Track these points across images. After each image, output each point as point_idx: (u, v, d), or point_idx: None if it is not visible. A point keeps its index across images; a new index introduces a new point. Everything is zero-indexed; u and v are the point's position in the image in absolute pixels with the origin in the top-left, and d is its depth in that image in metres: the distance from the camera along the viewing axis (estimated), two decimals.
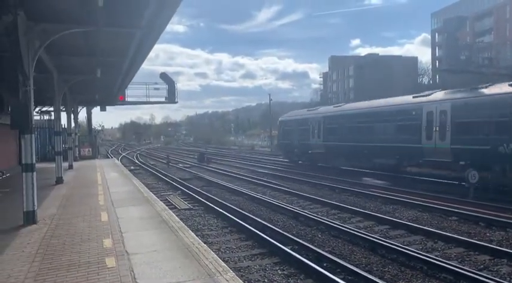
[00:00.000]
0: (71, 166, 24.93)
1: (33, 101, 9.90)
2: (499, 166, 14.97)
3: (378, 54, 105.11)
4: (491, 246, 8.90)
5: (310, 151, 28.08)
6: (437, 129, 17.65)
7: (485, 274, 7.10)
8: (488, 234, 10.18)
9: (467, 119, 16.42)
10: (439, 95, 18.94)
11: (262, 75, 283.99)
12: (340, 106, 28.22)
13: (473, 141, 15.89)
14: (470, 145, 15.95)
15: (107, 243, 7.76)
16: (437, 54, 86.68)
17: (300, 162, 30.08)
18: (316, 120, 27.53)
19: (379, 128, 21.33)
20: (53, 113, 27.87)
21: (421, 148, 18.45)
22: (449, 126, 17.04)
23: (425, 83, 77.25)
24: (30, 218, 9.64)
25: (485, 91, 16.40)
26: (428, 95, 19.34)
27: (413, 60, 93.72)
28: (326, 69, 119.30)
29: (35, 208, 9.81)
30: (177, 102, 36.66)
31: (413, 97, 20.24)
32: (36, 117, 32.25)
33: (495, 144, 14.79)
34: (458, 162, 16.56)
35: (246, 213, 12.75)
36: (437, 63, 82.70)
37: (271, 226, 10.93)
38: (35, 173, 9.83)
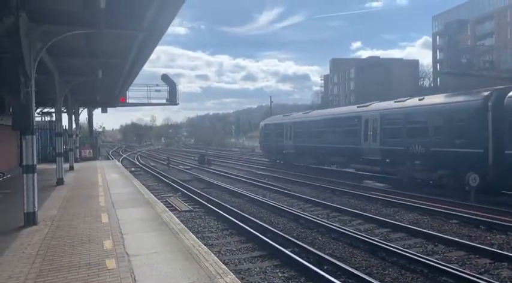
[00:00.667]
0: (71, 168, 24.96)
1: (34, 102, 9.92)
2: (410, 162, 18.97)
3: (379, 57, 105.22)
4: (492, 249, 8.89)
5: (284, 152, 32.72)
6: (371, 133, 21.85)
7: (485, 278, 7.08)
8: (489, 238, 10.17)
9: (391, 126, 20.39)
10: (374, 106, 22.86)
11: (263, 77, 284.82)
12: (308, 113, 32.30)
13: (394, 143, 19.88)
14: (393, 146, 20.01)
15: (108, 244, 7.76)
16: (438, 57, 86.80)
17: (277, 161, 34.17)
18: (289, 125, 31.98)
19: (332, 132, 25.56)
20: (54, 114, 27.96)
21: (360, 149, 22.51)
22: (379, 131, 21.13)
23: (427, 85, 77.25)
24: (30, 219, 9.65)
25: (401, 104, 20.38)
26: (367, 105, 23.32)
27: (414, 63, 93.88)
28: (327, 72, 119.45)
29: (36, 210, 9.81)
30: (178, 103, 36.78)
31: (357, 107, 24.59)
32: (38, 118, 32.33)
33: (408, 145, 18.76)
34: (385, 160, 20.72)
35: (247, 215, 12.74)
36: (438, 66, 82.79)
37: (271, 228, 10.93)
38: (35, 174, 9.84)
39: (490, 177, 15.17)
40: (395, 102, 21.11)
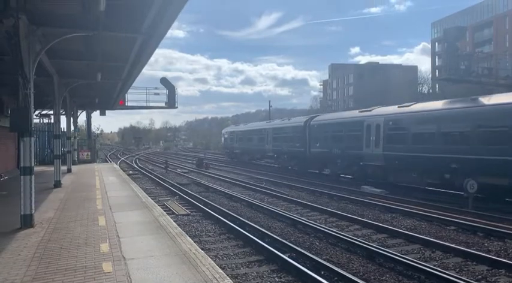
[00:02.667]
0: (69, 170, 24.91)
1: (33, 104, 9.91)
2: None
3: (378, 62, 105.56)
4: (489, 256, 8.88)
5: (234, 151, 46.22)
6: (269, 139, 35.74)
7: None
8: (486, 244, 10.16)
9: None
10: (297, 118, 32.95)
11: (261, 81, 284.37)
12: (246, 124, 46.82)
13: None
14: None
15: (104, 247, 7.74)
16: (437, 64, 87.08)
17: (234, 159, 45.73)
18: (236, 133, 46.21)
19: (257, 139, 38.85)
20: (52, 116, 27.91)
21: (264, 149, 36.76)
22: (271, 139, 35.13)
23: (425, 91, 77.37)
24: (27, 221, 9.62)
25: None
26: (289, 119, 34.17)
27: (413, 69, 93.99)
28: (325, 77, 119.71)
29: (33, 212, 9.79)
30: (177, 107, 36.80)
31: (281, 120, 36.69)
32: (36, 120, 32.27)
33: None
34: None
35: (244, 220, 12.72)
36: (437, 72, 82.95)
37: (269, 233, 10.90)
38: (33, 176, 9.81)
39: (306, 162, 29.10)
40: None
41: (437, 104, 18.96)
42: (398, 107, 20.74)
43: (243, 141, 42.71)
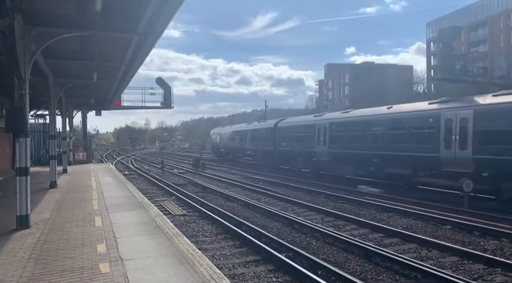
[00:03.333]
0: (65, 171, 24.83)
1: (28, 104, 9.87)
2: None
3: (374, 62, 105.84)
4: (486, 255, 8.92)
5: (220, 150, 51.72)
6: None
7: None
8: (482, 243, 10.20)
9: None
10: (269, 121, 38.87)
11: (257, 81, 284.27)
12: (231, 126, 51.67)
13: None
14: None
15: (101, 248, 7.72)
16: (432, 63, 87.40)
17: (220, 158, 50.58)
18: (221, 134, 51.95)
19: (238, 139, 44.17)
20: (48, 117, 27.81)
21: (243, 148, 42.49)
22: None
23: (421, 91, 77.65)
24: (23, 222, 9.58)
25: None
26: (264, 121, 40.43)
27: (409, 69, 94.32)
28: (321, 77, 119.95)
29: (28, 213, 9.75)
30: (172, 107, 36.77)
31: (258, 122, 42.91)
32: (31, 121, 32.13)
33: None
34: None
35: (241, 220, 12.71)
36: (432, 72, 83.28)
37: (266, 233, 10.91)
38: (28, 177, 9.77)
39: (275, 159, 33.56)
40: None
41: (366, 111, 23.14)
42: (341, 112, 25.96)
43: (227, 141, 48.32)
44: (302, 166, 29.15)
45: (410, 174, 19.12)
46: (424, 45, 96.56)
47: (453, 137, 16.37)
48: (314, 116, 28.82)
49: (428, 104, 18.90)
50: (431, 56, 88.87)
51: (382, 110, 21.60)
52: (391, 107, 21.41)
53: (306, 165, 28.52)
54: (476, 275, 7.91)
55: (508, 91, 15.97)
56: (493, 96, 15.99)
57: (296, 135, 29.79)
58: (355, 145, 22.26)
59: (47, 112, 30.74)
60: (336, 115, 25.79)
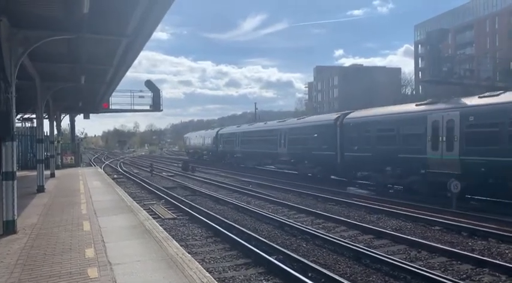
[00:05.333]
0: (52, 175, 24.54)
1: (15, 108, 9.75)
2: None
3: (362, 64, 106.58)
4: (474, 255, 9.00)
5: (189, 151, 63.54)
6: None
7: None
8: (470, 244, 10.29)
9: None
10: (216, 129, 52.95)
11: (246, 83, 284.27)
12: (198, 131, 63.29)
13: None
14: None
15: (89, 253, 7.63)
16: (420, 65, 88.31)
17: (192, 158, 56.28)
18: (190, 137, 64.72)
19: (201, 141, 55.09)
20: (35, 120, 27.49)
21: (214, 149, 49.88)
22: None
23: (409, 93, 78.34)
24: (9, 228, 9.44)
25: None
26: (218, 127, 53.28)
27: (397, 71, 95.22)
28: (310, 79, 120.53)
29: (15, 218, 9.62)
30: (162, 110, 36.60)
31: (212, 129, 56.94)
32: (18, 124, 31.76)
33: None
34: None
35: (231, 223, 12.68)
36: (420, 74, 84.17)
37: (256, 235, 10.88)
38: (15, 181, 9.65)
39: (217, 156, 46.81)
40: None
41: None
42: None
43: (194, 143, 60.47)
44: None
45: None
46: (412, 48, 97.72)
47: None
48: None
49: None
50: (419, 58, 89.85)
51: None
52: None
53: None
54: (464, 275, 7.97)
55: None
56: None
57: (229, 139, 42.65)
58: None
59: (34, 115, 30.42)
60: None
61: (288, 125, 30.59)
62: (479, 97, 16.01)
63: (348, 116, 22.96)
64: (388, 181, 19.59)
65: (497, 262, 8.49)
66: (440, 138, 16.35)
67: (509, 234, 10.62)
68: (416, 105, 19.10)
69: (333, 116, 25.09)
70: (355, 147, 21.32)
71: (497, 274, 7.95)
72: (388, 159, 18.81)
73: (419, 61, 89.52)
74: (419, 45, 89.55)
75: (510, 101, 14.45)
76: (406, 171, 18.15)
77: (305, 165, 27.05)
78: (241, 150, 38.60)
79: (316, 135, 25.48)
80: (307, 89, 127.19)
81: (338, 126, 23.16)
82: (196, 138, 58.59)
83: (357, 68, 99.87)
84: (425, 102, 18.80)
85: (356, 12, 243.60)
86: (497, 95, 15.35)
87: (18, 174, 10.58)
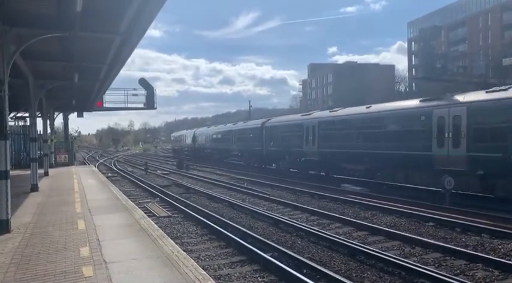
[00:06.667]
0: (46, 173, 24.42)
1: (7, 106, 9.69)
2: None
3: (356, 62, 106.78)
4: (467, 251, 9.07)
5: (175, 148, 70.39)
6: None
7: (461, 279, 7.22)
8: (464, 239, 10.38)
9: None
10: (184, 131, 68.29)
11: (240, 81, 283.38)
12: (182, 131, 71.88)
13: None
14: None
15: (84, 251, 7.61)
16: (413, 62, 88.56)
17: (177, 155, 62.83)
18: (176, 136, 72.66)
19: (183, 140, 64.23)
20: (28, 119, 27.33)
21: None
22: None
23: (402, 90, 78.64)
24: (3, 227, 9.40)
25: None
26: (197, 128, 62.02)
27: (391, 68, 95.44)
28: (304, 76, 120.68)
29: (9, 217, 9.57)
30: (156, 108, 36.52)
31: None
32: (11, 123, 31.53)
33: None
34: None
35: (226, 220, 12.69)
36: (413, 71, 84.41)
37: (251, 233, 10.90)
38: (8, 180, 9.61)
39: (195, 153, 54.63)
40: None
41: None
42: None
43: (179, 141, 68.52)
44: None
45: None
46: (405, 45, 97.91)
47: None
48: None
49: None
50: (413, 55, 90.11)
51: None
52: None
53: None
54: (458, 271, 8.04)
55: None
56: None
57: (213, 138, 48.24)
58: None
59: (27, 114, 30.24)
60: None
61: (236, 127, 39.98)
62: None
63: (269, 121, 32.59)
64: (286, 166, 28.71)
65: (491, 257, 8.56)
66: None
67: (502, 230, 10.72)
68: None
69: (260, 121, 34.84)
70: (271, 143, 30.92)
71: (490, 269, 8.02)
72: (286, 152, 28.00)
73: (413, 58, 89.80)
74: (413, 42, 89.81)
75: None
76: (295, 158, 26.98)
77: (246, 157, 36.53)
78: (210, 147, 49.01)
79: (251, 135, 34.87)
80: (301, 86, 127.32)
81: (264, 129, 32.17)
82: (180, 137, 67.75)
83: (350, 65, 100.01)
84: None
85: (349, 9, 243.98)
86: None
87: (12, 173, 10.53)
